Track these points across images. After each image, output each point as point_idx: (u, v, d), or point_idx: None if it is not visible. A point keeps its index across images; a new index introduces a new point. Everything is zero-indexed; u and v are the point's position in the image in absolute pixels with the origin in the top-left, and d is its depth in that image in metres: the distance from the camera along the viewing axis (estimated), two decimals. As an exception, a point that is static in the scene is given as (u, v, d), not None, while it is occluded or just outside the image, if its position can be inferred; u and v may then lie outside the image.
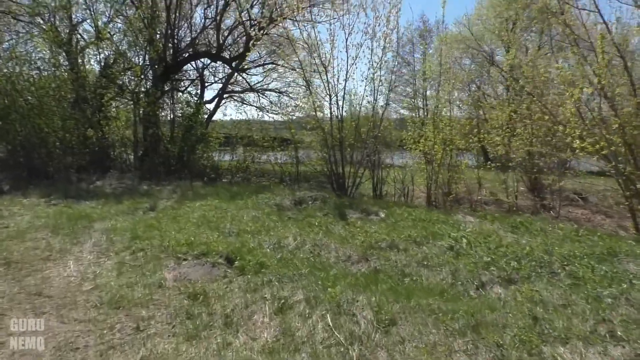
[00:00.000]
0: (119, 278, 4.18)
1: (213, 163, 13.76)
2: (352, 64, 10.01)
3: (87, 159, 11.37)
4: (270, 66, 15.10)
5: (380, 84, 10.21)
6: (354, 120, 10.64)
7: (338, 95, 10.17)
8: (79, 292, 3.89)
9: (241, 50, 14.69)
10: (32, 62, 11.38)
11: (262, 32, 13.77)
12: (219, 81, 16.82)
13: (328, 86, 10.13)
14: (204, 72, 16.15)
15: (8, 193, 9.23)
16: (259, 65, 15.20)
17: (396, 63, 12.49)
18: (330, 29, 10.00)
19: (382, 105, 10.43)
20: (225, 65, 16.42)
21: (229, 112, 50.26)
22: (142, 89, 12.74)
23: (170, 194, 9.18)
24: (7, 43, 12.47)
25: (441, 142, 10.17)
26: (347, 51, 9.95)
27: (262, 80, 16.43)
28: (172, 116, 13.45)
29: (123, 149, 12.91)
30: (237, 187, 10.47)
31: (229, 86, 16.63)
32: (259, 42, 14.34)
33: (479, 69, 20.91)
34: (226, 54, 14.76)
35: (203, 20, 14.50)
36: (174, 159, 12.57)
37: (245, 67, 15.39)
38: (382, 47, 9.86)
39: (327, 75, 10.07)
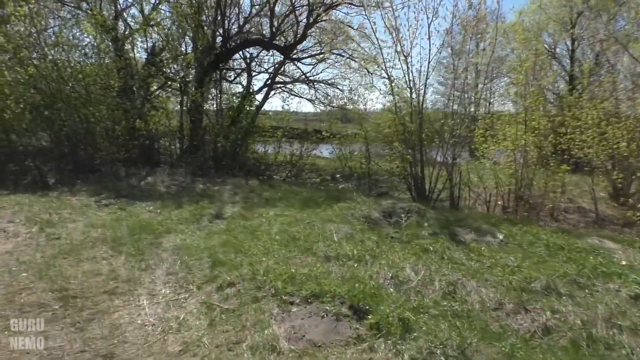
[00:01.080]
0: (212, 331, 3.11)
1: (262, 157, 12.74)
2: (437, 52, 8.78)
3: (135, 152, 10.49)
4: (326, 55, 13.85)
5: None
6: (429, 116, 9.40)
7: (419, 87, 8.93)
8: (164, 356, 2.84)
9: (292, 39, 13.59)
10: (80, 48, 10.57)
11: (320, 16, 12.70)
12: (266, 72, 15.75)
13: (408, 77, 8.91)
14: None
15: (54, 188, 8.42)
16: (316, 55, 13.94)
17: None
18: (407, 14, 8.75)
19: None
20: (274, 54, 15.36)
21: (274, 103, 49.40)
22: (191, 78, 11.74)
23: (231, 196, 8.17)
24: (51, 29, 11.69)
25: (533, 142, 8.82)
26: (429, 38, 8.66)
27: (311, 70, 15.26)
28: (219, 107, 12.44)
29: (170, 142, 12.03)
30: (302, 189, 9.41)
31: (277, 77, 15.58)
32: (311, 31, 13.29)
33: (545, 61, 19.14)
34: (277, 43, 13.61)
35: (250, 7, 13.47)
36: (224, 154, 11.59)
37: (299, 56, 14.20)
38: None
39: (407, 65, 8.86)
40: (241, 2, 13.42)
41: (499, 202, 9.57)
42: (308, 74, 15.20)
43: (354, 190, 10.03)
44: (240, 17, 13.66)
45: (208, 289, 3.92)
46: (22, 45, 9.85)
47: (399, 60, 8.91)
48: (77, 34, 11.01)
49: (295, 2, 12.88)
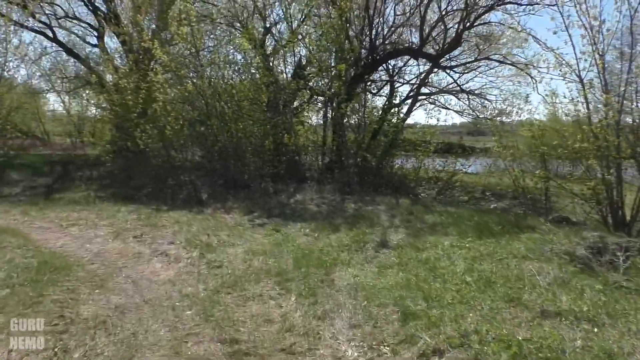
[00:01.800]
0: None
1: (408, 174, 11.60)
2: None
3: (283, 167, 10.18)
4: (480, 62, 12.30)
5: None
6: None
7: (620, 91, 7.09)
8: None
9: (441, 46, 12.33)
10: (233, 64, 10.70)
11: (480, 18, 11.29)
12: (407, 83, 14.65)
13: (602, 80, 7.12)
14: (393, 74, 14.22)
15: (208, 204, 8.36)
16: (470, 62, 12.45)
17: None
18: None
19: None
20: (418, 64, 14.24)
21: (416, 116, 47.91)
22: (336, 91, 11.16)
23: (389, 218, 7.24)
24: (207, 48, 12.12)
25: None
26: (632, 33, 6.81)
27: (458, 78, 13.73)
28: (362, 121, 11.64)
29: (314, 157, 11.57)
30: (462, 210, 8.16)
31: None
32: (466, 35, 11.86)
33: None
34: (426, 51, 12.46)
35: (394, 17, 12.53)
36: (368, 169, 10.75)
37: (448, 64, 12.87)
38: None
39: (603, 66, 7.09)
40: (387, 12, 12.39)
41: None
42: (455, 84, 13.79)
43: (528, 215, 8.35)
44: (384, 26, 12.87)
45: (407, 355, 2.93)
46: (182, 64, 10.25)
47: (594, 60, 7.20)
48: (231, 50, 11.24)
49: (448, 6, 11.68)
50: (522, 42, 11.26)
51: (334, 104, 10.74)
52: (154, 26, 11.84)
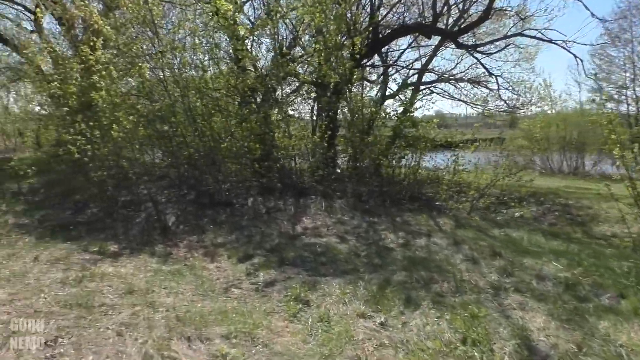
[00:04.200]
0: None
1: (429, 178, 9.27)
2: None
3: (275, 177, 7.73)
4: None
5: None
6: None
7: None
8: None
9: (453, 22, 10.18)
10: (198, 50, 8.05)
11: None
12: (407, 68, 12.42)
13: None
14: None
15: (176, 236, 5.86)
16: (500, 39, 10.20)
17: None
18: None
19: None
20: (420, 46, 12.08)
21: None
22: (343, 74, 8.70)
23: (470, 265, 4.78)
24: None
25: None
26: None
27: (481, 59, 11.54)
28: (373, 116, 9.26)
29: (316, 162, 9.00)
30: (576, 245, 5.93)
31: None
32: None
33: None
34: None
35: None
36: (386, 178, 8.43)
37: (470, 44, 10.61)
38: None
39: None
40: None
41: None
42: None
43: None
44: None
45: None
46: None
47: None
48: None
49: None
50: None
51: (340, 93, 8.34)
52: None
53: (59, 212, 7.50)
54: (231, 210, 7.09)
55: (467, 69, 12.33)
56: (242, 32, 7.76)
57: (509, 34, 9.65)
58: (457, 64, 12.63)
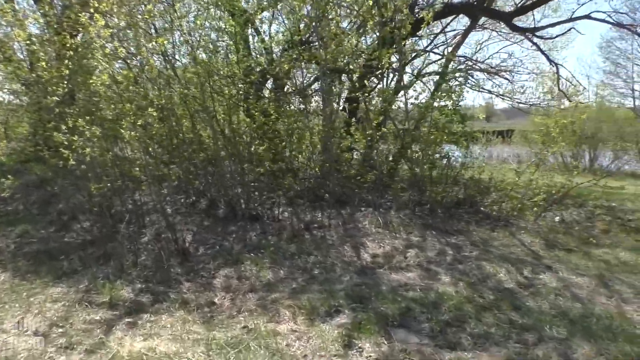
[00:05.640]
0: None
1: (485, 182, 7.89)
2: None
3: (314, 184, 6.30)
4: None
5: None
6: None
7: None
8: None
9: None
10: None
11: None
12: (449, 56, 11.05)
13: None
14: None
15: (200, 263, 4.43)
16: (560, 22, 8.79)
17: None
18: None
19: None
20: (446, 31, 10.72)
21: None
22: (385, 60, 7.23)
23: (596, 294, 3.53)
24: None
25: None
26: None
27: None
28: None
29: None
30: None
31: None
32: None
33: None
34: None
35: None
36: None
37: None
38: None
39: None
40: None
41: None
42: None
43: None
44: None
45: None
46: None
47: None
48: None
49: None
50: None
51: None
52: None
53: (41, 228, 5.97)
54: (260, 226, 5.65)
55: (488, 57, 11.15)
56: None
57: (573, 17, 8.33)
58: (476, 50, 11.39)
